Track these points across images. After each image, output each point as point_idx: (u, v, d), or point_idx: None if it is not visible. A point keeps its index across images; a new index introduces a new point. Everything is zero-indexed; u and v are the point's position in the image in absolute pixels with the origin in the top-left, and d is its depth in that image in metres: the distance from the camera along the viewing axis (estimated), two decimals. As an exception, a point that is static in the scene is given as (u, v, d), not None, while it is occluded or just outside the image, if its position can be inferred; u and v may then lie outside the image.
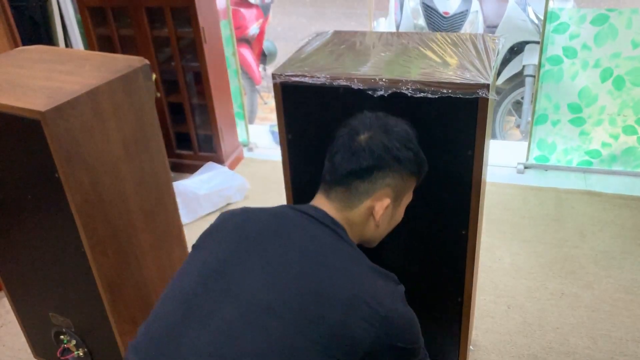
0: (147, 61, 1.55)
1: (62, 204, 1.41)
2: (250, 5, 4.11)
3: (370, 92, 1.26)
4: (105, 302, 1.57)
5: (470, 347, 1.97)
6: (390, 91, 1.25)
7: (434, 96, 1.22)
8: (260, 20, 4.20)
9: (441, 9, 3.72)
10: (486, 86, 1.19)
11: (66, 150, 1.34)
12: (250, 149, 3.55)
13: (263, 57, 4.46)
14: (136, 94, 1.52)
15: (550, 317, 2.13)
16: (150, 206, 1.65)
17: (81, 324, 1.70)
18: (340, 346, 0.92)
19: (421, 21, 3.75)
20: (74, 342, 1.75)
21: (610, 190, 2.87)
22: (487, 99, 1.21)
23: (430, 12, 3.73)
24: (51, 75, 1.49)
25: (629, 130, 2.86)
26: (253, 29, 4.12)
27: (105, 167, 1.47)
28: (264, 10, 4.31)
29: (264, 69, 4.59)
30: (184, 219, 2.77)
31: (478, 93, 1.20)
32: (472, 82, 1.20)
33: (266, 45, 4.42)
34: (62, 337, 1.76)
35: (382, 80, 1.25)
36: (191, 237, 2.34)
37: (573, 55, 2.76)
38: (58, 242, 1.53)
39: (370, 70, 1.30)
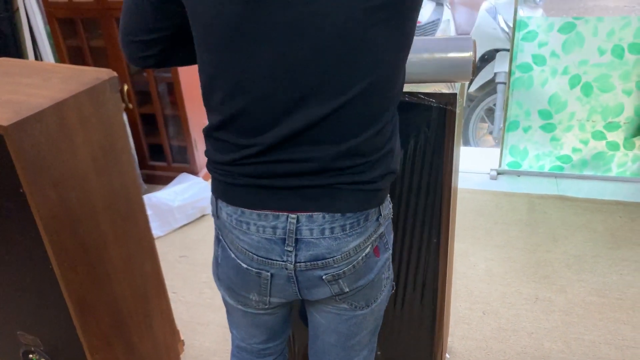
0: (115, 73, 1.53)
1: (28, 220, 1.38)
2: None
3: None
4: (75, 320, 1.53)
5: (447, 354, 1.98)
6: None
7: (406, 99, 1.22)
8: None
9: (413, 17, 3.75)
10: (454, 95, 1.20)
11: (31, 165, 1.32)
12: (225, 159, 3.52)
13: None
14: (104, 106, 1.50)
15: (524, 322, 2.15)
16: (120, 220, 1.63)
17: (51, 342, 1.66)
18: None
19: (394, 30, 3.78)
20: (43, 360, 1.71)
21: (581, 195, 2.92)
22: (456, 107, 1.22)
23: (402, 21, 3.76)
24: (16, 88, 1.46)
25: (598, 135, 2.92)
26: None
27: (73, 181, 1.44)
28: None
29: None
30: (158, 231, 2.73)
31: (446, 103, 1.21)
32: (441, 92, 1.21)
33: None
34: (31, 356, 1.72)
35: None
36: (164, 250, 2.30)
37: (542, 63, 2.80)
38: (25, 259, 1.49)
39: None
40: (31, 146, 1.31)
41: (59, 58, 3.06)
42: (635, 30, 2.63)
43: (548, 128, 2.96)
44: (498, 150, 3.15)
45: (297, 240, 1.03)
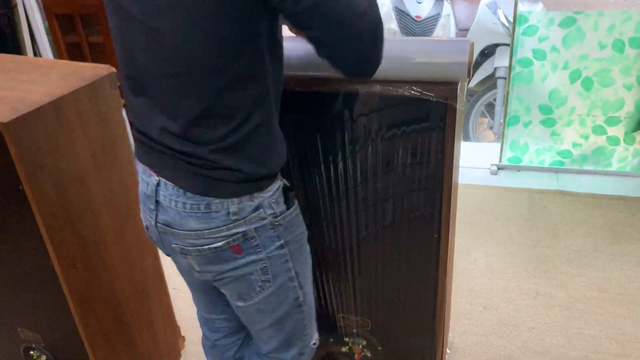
0: (113, 69, 1.52)
1: (28, 217, 1.38)
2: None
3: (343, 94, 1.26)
4: (76, 316, 1.53)
5: (447, 349, 1.98)
6: (359, 94, 1.25)
7: (406, 93, 1.22)
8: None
9: (413, 13, 3.74)
10: (454, 90, 1.19)
11: (30, 162, 1.31)
12: (225, 156, 3.52)
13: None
14: (103, 102, 1.49)
15: (525, 317, 2.15)
16: (120, 217, 1.62)
17: (51, 339, 1.66)
18: None
19: (394, 25, 3.77)
20: (44, 357, 1.71)
21: (581, 190, 2.91)
22: (456, 102, 1.21)
23: (402, 16, 3.75)
24: (14, 85, 1.46)
25: (598, 130, 2.91)
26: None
27: (72, 178, 1.44)
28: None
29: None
30: (158, 227, 2.72)
31: (447, 97, 1.20)
32: (441, 86, 1.20)
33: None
34: (31, 352, 1.72)
35: (350, 85, 1.25)
36: (164, 246, 2.25)
37: (542, 58, 2.79)
38: (25, 256, 1.49)
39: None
40: (30, 143, 1.31)
41: (58, 54, 3.06)
42: (636, 25, 2.62)
43: (548, 123, 2.96)
44: (498, 145, 3.14)
45: (157, 202, 1.12)
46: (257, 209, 1.10)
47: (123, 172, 1.60)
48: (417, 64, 1.23)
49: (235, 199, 1.08)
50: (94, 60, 3.01)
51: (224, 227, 1.09)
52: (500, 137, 3.09)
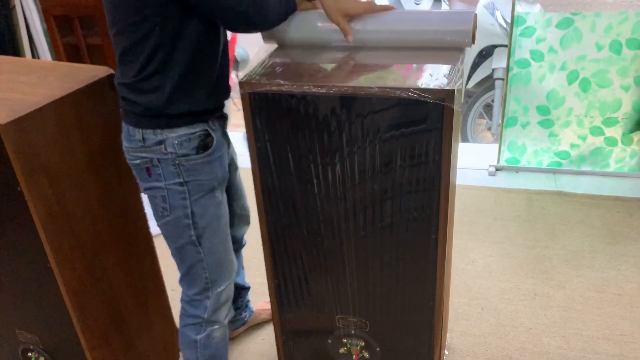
0: (112, 70, 1.52)
1: (25, 218, 1.38)
2: (221, 12, 4.08)
3: (338, 98, 1.26)
4: (74, 318, 1.53)
5: (445, 350, 1.98)
6: (357, 97, 1.25)
7: (403, 95, 1.22)
8: (232, 27, 4.18)
9: (411, 14, 3.74)
10: (451, 92, 1.20)
11: (29, 163, 1.31)
12: (224, 157, 3.52)
13: (235, 64, 4.44)
14: (101, 104, 1.49)
15: (523, 317, 2.15)
16: (117, 218, 1.62)
17: (49, 341, 1.66)
18: None
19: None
20: (42, 359, 1.71)
21: (579, 191, 2.92)
22: (453, 104, 1.22)
23: (400, 17, 3.75)
24: (13, 86, 1.46)
25: (595, 131, 2.92)
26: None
27: (70, 179, 1.44)
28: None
29: (237, 76, 4.56)
30: (156, 229, 2.72)
31: (444, 99, 1.20)
32: (438, 88, 1.21)
33: (238, 51, 4.40)
34: (30, 354, 1.72)
35: (348, 87, 1.25)
36: (163, 248, 2.29)
37: (540, 59, 2.80)
38: (23, 258, 1.49)
39: (339, 75, 1.30)
40: (28, 144, 1.31)
41: (56, 56, 3.05)
42: (633, 26, 2.63)
43: (546, 124, 2.96)
44: (496, 146, 3.15)
45: None
46: (160, 143, 1.32)
47: (121, 173, 1.60)
48: (423, 32, 1.39)
49: (140, 129, 1.32)
50: (92, 62, 3.01)
51: (136, 149, 1.34)
52: (499, 138, 3.10)
